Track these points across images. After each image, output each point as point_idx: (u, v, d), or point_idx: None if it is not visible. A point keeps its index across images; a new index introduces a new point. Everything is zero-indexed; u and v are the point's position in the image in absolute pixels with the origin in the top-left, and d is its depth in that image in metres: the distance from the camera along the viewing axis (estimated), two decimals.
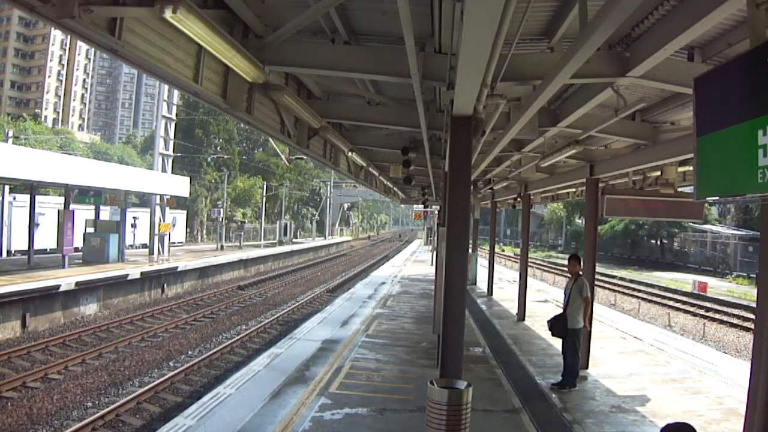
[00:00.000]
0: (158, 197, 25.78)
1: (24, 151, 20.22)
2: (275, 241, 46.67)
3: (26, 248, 21.33)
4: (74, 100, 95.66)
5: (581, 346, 8.34)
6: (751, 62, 2.45)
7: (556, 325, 8.06)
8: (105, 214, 27.56)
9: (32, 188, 22.00)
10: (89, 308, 16.85)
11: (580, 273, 8.24)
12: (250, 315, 18.43)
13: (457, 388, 4.79)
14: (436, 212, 29.42)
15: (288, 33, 5.04)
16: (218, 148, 50.00)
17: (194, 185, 41.08)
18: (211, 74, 5.39)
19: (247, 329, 15.89)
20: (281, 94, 6.25)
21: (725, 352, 13.78)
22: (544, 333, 10.44)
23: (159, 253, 25.56)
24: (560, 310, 8.27)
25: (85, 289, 16.53)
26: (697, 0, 3.57)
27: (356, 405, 7.06)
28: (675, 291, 25.37)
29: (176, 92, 26.22)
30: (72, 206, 20.91)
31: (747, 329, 16.59)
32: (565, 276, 18.32)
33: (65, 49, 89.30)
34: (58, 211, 21.93)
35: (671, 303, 22.22)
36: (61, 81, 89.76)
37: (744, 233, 37.28)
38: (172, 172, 27.86)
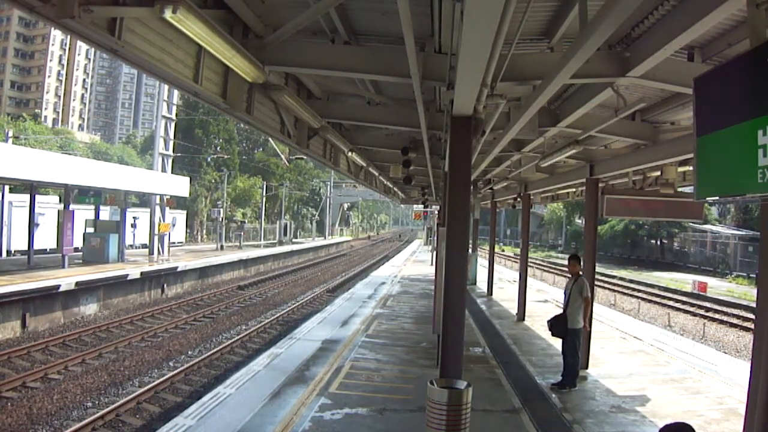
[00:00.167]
0: (158, 197, 25.79)
1: (24, 151, 20.22)
2: (275, 241, 46.67)
3: (26, 248, 21.32)
4: (74, 100, 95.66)
5: (581, 346, 8.34)
6: (751, 62, 2.45)
7: (556, 325, 8.06)
8: (105, 214, 27.57)
9: (32, 188, 21.99)
10: (89, 308, 16.85)
11: (580, 273, 8.24)
12: (250, 315, 18.43)
13: (457, 388, 4.79)
14: (436, 212, 29.42)
15: (288, 33, 5.03)
16: (218, 148, 50.01)
17: (194, 185, 41.08)
18: (211, 74, 5.39)
19: (247, 329, 15.88)
20: (281, 94, 6.25)
21: (725, 352, 13.78)
22: (544, 333, 10.44)
23: (159, 253, 25.56)
24: (560, 310, 8.28)
25: (85, 289, 16.53)
26: (697, 0, 3.57)
27: (356, 405, 7.06)
28: (675, 291, 25.37)
29: (176, 92, 26.22)
30: (72, 206, 20.90)
31: (747, 329, 16.59)
32: (565, 276, 18.33)
33: (65, 49, 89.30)
34: (58, 211, 21.96)
35: (671, 303, 22.22)
36: (61, 81, 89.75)
37: (744, 233, 37.29)
38: (172, 172, 27.87)
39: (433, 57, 5.21)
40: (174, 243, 32.10)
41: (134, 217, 27.26)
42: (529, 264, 14.83)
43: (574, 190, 15.19)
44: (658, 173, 9.52)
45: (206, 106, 8.44)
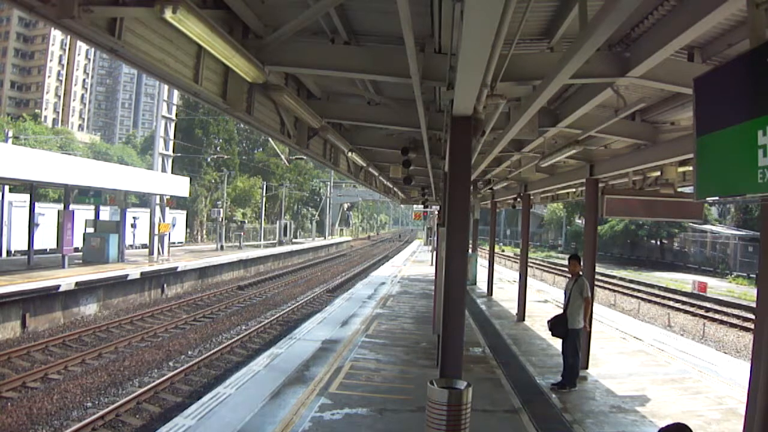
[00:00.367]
0: (158, 197, 25.78)
1: (24, 151, 20.20)
2: (275, 242, 46.67)
3: (26, 248, 21.32)
4: (74, 100, 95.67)
5: (581, 346, 8.35)
6: (751, 62, 2.44)
7: (557, 325, 8.06)
8: (105, 214, 27.59)
9: (32, 188, 22.00)
10: (89, 308, 16.85)
11: (581, 273, 8.24)
12: (250, 315, 18.43)
13: (457, 388, 4.79)
14: (436, 212, 29.41)
15: (288, 33, 5.03)
16: (218, 148, 50.01)
17: (194, 185, 41.07)
18: (211, 74, 5.39)
19: (247, 329, 15.88)
20: (281, 95, 6.24)
21: (725, 352, 13.77)
22: (544, 333, 10.44)
23: (159, 253, 25.56)
24: (560, 310, 8.28)
25: (84, 290, 16.53)
26: (697, 0, 3.57)
27: (356, 405, 7.06)
28: (675, 291, 25.37)
29: (176, 92, 26.22)
30: (72, 206, 20.91)
31: (747, 329, 16.60)
32: (565, 276, 18.33)
33: (65, 49, 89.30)
34: (58, 211, 21.94)
35: (671, 303, 22.23)
36: (61, 81, 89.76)
37: (744, 233, 37.30)
38: (171, 172, 27.86)
39: (433, 57, 5.20)
40: (174, 243, 32.11)
41: (134, 217, 27.29)
42: (529, 264, 14.83)
43: (574, 190, 15.18)
44: (658, 173, 9.52)
45: (206, 106, 8.43)
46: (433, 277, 12.31)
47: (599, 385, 8.36)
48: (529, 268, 14.90)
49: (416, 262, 34.91)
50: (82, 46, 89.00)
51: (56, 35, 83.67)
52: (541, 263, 39.61)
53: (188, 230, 44.20)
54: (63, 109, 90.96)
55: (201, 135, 49.46)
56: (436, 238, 15.48)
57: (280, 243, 45.40)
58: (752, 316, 15.76)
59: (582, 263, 8.52)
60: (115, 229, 22.72)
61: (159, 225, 25.74)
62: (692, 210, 9.50)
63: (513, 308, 14.89)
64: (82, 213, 23.74)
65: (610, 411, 7.21)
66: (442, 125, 7.07)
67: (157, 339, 14.30)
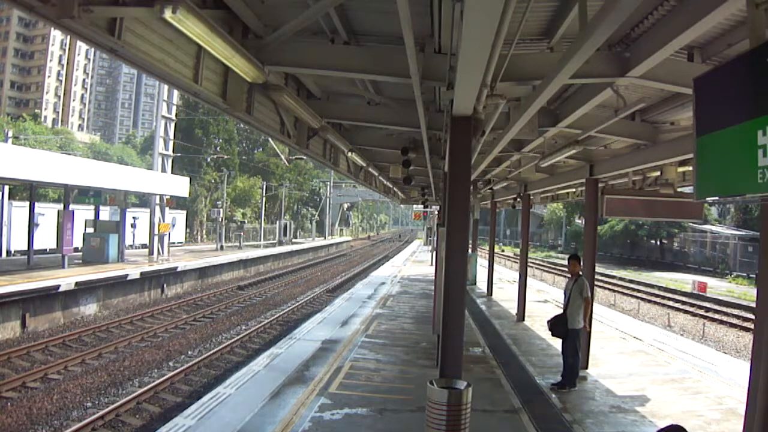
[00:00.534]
0: (158, 197, 25.79)
1: (24, 151, 20.21)
2: (275, 242, 46.67)
3: (26, 248, 21.32)
4: (74, 100, 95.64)
5: (581, 347, 8.35)
6: (751, 62, 2.44)
7: (557, 325, 8.06)
8: (105, 214, 27.58)
9: (32, 188, 22.00)
10: (89, 308, 16.84)
11: (580, 273, 8.24)
12: (250, 315, 18.43)
13: (457, 388, 4.79)
14: (436, 212, 29.42)
15: (288, 33, 5.03)
16: (218, 148, 50.01)
17: (194, 185, 41.07)
18: (211, 74, 5.39)
19: (246, 329, 15.88)
20: (281, 95, 6.24)
21: (725, 352, 13.78)
22: (544, 333, 10.44)
23: (159, 253, 25.56)
24: (560, 310, 8.28)
25: (84, 290, 16.53)
26: (696, 0, 3.57)
27: (356, 405, 7.06)
28: (675, 291, 25.38)
29: (176, 92, 26.23)
30: (72, 206, 20.90)
31: (747, 329, 16.60)
32: (565, 276, 18.33)
33: (65, 50, 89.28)
34: (58, 211, 21.94)
35: (671, 303, 22.23)
36: (61, 81, 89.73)
37: (744, 233, 37.30)
38: (171, 173, 27.87)
39: (432, 57, 5.20)
40: (174, 243, 32.11)
41: (134, 218, 27.29)
42: (528, 264, 14.83)
43: (574, 190, 15.19)
44: (658, 173, 9.52)
45: (206, 106, 8.42)
46: (433, 277, 12.30)
47: (599, 385, 8.36)
48: (528, 268, 14.90)
49: (416, 262, 34.91)
50: (81, 46, 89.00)
51: (56, 35, 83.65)
52: (541, 263, 39.62)
53: (188, 230, 44.20)
54: (63, 109, 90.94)
55: (201, 135, 49.47)
56: (435, 238, 15.49)
57: (280, 243, 45.40)
58: (752, 316, 15.76)
59: (582, 263, 8.52)
60: (114, 229, 22.72)
61: (159, 225, 25.74)
62: (692, 210, 9.51)
63: (513, 308, 14.89)
64: (82, 213, 23.73)
65: (610, 411, 7.21)
66: (442, 125, 7.07)
67: (157, 339, 14.30)
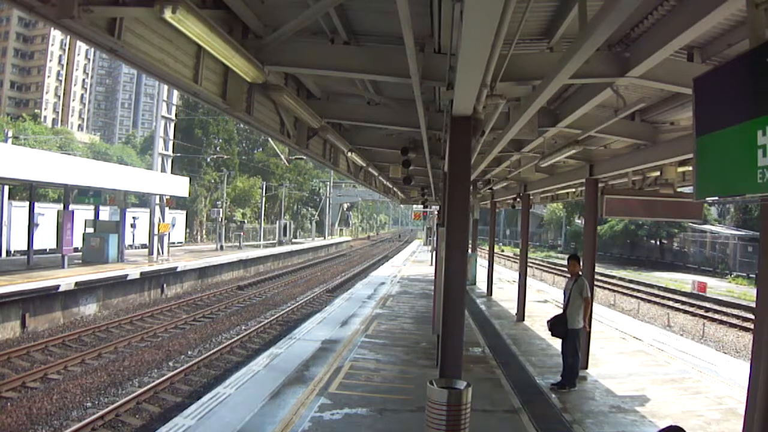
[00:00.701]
0: (158, 197, 25.79)
1: (23, 151, 20.21)
2: (275, 242, 46.67)
3: (26, 248, 21.31)
4: (74, 100, 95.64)
5: (581, 347, 8.35)
6: (751, 62, 2.44)
7: (556, 325, 8.06)
8: (104, 214, 27.58)
9: (32, 188, 22.00)
10: (89, 308, 16.84)
11: (580, 273, 8.24)
12: (250, 315, 18.43)
13: (457, 388, 4.79)
14: (436, 212, 29.42)
15: (287, 33, 5.03)
16: (218, 148, 50.01)
17: (194, 185, 41.07)
18: (211, 74, 5.39)
19: (246, 329, 15.88)
20: (281, 95, 6.24)
21: (725, 352, 13.78)
22: (544, 333, 10.44)
23: (158, 253, 25.56)
24: (560, 310, 8.28)
25: (84, 290, 16.52)
26: (696, 0, 3.57)
27: (356, 405, 7.06)
28: (674, 291, 25.38)
29: (176, 92, 26.23)
30: (71, 206, 20.90)
31: (747, 329, 16.60)
32: (565, 276, 18.32)
33: (65, 50, 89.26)
34: (58, 211, 21.93)
35: (671, 303, 22.24)
36: (61, 81, 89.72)
37: (743, 233, 37.32)
38: (171, 173, 27.87)
39: (432, 57, 5.20)
40: (173, 243, 32.11)
41: (134, 218, 27.29)
42: (528, 264, 14.84)
43: (573, 190, 15.19)
44: (658, 173, 9.52)
45: (206, 106, 8.43)
46: (433, 277, 12.30)
47: (599, 385, 8.36)
48: (528, 268, 14.90)
49: (416, 262, 34.91)
50: (81, 46, 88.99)
51: (56, 35, 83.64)
52: (541, 263, 39.63)
53: (188, 230, 44.19)
54: (63, 109, 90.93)
55: (201, 135, 49.49)
56: (435, 238, 15.49)
57: (280, 243, 45.40)
58: (752, 316, 15.77)
59: (581, 263, 8.52)
60: (114, 229, 22.73)
61: (159, 225, 25.74)
62: (692, 210, 9.51)
63: (512, 308, 14.89)
64: (82, 213, 23.72)
65: (610, 411, 7.21)
66: (442, 125, 7.07)
67: (156, 339, 14.29)
